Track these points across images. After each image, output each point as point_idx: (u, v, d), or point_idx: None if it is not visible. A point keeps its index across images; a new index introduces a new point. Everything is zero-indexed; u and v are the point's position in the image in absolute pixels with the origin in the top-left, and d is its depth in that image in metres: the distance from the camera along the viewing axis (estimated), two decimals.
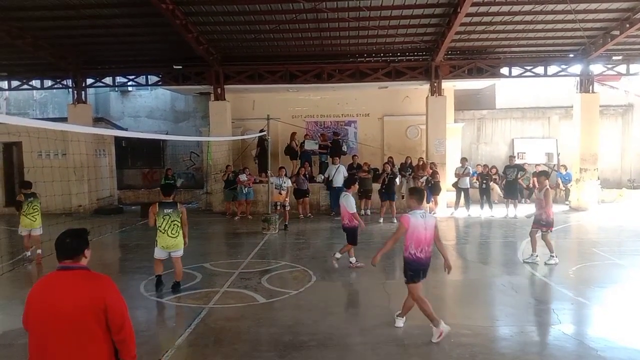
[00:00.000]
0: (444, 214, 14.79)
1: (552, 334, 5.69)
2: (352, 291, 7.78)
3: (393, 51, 15.68)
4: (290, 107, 17.68)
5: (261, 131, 13.48)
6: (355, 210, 8.66)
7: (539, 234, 8.95)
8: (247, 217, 14.46)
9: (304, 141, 16.38)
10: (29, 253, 9.52)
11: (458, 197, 14.88)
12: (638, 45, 14.88)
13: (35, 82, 17.26)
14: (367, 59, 15.98)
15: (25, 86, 17.22)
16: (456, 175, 14.94)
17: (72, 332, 2.79)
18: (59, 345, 2.79)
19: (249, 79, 15.81)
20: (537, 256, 8.91)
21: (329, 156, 15.89)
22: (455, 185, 15.02)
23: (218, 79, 15.75)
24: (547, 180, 8.93)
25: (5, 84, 17.42)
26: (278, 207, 12.76)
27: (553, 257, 8.81)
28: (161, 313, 6.77)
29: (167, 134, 17.53)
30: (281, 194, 12.74)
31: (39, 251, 9.37)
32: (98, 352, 2.86)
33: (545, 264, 8.75)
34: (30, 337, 2.87)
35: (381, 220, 13.73)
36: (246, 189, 14.49)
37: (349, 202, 8.65)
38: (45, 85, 17.31)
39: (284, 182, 12.88)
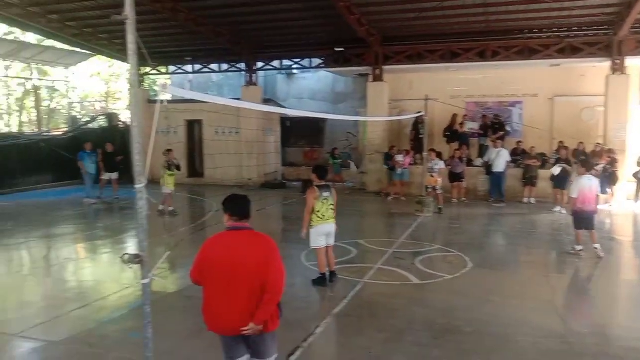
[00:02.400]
0: (621, 206, 13.20)
1: None
2: (512, 281, 7.40)
3: (569, 25, 14.22)
4: (449, 87, 17.09)
5: (418, 113, 13.35)
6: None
7: None
8: (400, 199, 14.51)
9: (462, 122, 15.80)
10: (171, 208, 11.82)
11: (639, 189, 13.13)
12: None
13: (214, 66, 19.27)
14: (537, 34, 14.74)
15: (206, 70, 19.35)
16: (639, 164, 13.16)
17: (248, 283, 3.25)
18: (238, 293, 3.26)
19: (408, 59, 15.65)
20: None
21: (489, 139, 15.12)
22: (636, 175, 13.26)
23: (377, 60, 15.89)
24: None
25: (190, 68, 19.71)
26: (429, 190, 12.55)
27: None
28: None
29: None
30: (432, 177, 12.51)
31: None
32: (255, 303, 3.27)
33: None
34: (208, 286, 3.35)
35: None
36: (401, 170, 14.51)
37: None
38: (222, 69, 19.25)
39: (436, 165, 12.62)
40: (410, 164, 14.80)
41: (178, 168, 12.15)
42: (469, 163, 14.95)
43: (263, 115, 17.23)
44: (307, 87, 21.28)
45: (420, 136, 14.32)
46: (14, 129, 27.86)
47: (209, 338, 3.90)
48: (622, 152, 13.65)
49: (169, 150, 12.09)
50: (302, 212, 6.67)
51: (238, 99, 17.76)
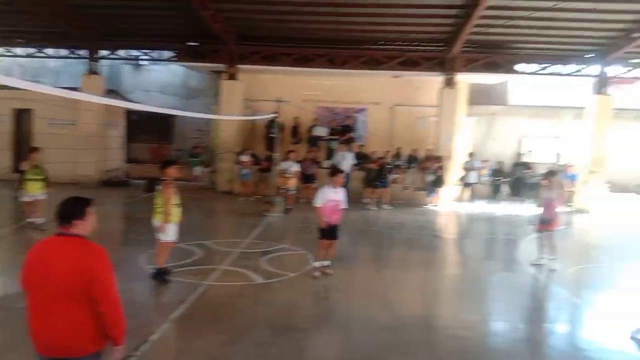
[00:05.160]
0: (447, 208, 14.79)
1: (544, 332, 5.72)
2: (350, 278, 7.81)
3: (409, 40, 15.52)
4: (301, 91, 17.59)
5: (274, 114, 13.47)
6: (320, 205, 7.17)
7: (545, 234, 8.60)
8: (250, 199, 14.50)
9: (313, 126, 16.35)
10: (37, 219, 9.52)
11: (463, 192, 14.83)
12: None
13: (51, 51, 17.30)
14: (382, 46, 15.83)
15: (41, 54, 17.27)
16: (464, 169, 14.88)
17: (64, 295, 2.87)
18: (52, 307, 2.88)
19: (263, 59, 15.70)
20: (545, 258, 8.59)
21: (338, 143, 15.86)
22: (462, 179, 14.97)
23: (232, 58, 15.69)
24: (555, 180, 8.82)
25: (21, 51, 17.46)
26: (281, 191, 12.76)
27: (555, 259, 8.59)
28: (158, 287, 6.83)
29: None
30: (287, 178, 12.75)
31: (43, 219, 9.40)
32: (84, 320, 2.92)
33: (546, 267, 8.47)
34: (28, 298, 2.96)
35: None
36: (246, 170, 14.53)
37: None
38: (60, 54, 17.35)
39: (290, 167, 12.88)
40: (254, 165, 14.88)
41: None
42: (318, 165, 15.52)
43: (105, 107, 15.94)
44: (157, 79, 20.23)
45: (271, 135, 14.43)
46: None
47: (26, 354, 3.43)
48: (449, 158, 15.25)
49: (34, 150, 9.81)
50: (144, 212, 6.29)
51: (76, 89, 16.24)
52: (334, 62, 15.62)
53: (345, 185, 8.48)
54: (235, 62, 15.73)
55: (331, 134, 16.47)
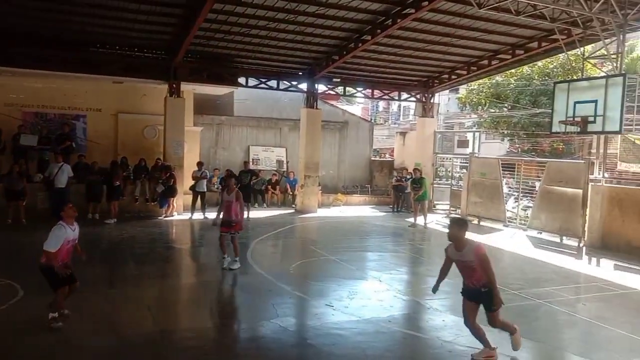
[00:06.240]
0: (180, 217, 14.66)
1: (270, 327, 6.12)
2: (70, 304, 6.92)
3: (130, 45, 14.82)
4: (1, 94, 15.04)
5: None
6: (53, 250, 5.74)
7: (226, 236, 8.74)
8: None
9: (18, 134, 14.14)
10: None
11: (194, 200, 14.88)
12: (353, 71, 17.42)
13: None
14: (101, 49, 14.71)
15: None
16: (193, 178, 14.95)
17: None
18: None
19: None
20: (227, 258, 8.75)
21: (54, 153, 14.04)
22: (192, 188, 15.01)
23: None
24: (231, 183, 9.00)
25: None
26: None
27: (236, 261, 8.72)
28: None
29: None
30: None
31: None
32: None
33: (230, 269, 8.61)
34: None
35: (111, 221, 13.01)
36: None
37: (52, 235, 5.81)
38: None
39: None
40: None
41: None
42: (28, 179, 13.46)
43: None
44: None
45: None
46: None
47: None
48: (180, 167, 15.15)
49: None
50: None
51: None
52: (40, 62, 13.78)
53: (61, 201, 7.45)
54: None
55: (44, 143, 14.51)
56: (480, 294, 5.11)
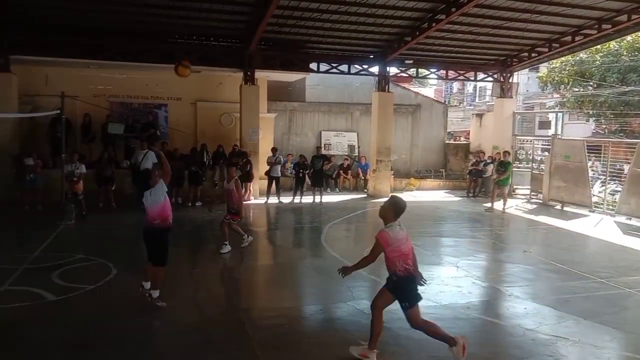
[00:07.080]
0: (257, 201, 15.06)
1: (346, 309, 6.19)
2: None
3: (207, 35, 15.29)
4: (91, 85, 16.05)
5: (56, 110, 11.94)
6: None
7: (229, 222, 8.90)
8: (37, 208, 12.70)
9: (106, 123, 15.09)
10: None
11: (269, 185, 15.25)
12: (426, 52, 16.97)
13: None
14: (179, 40, 15.29)
15: None
16: (268, 163, 15.29)
17: None
18: None
19: (42, 49, 13.79)
20: (248, 236, 9.07)
21: (139, 141, 14.86)
22: (267, 173, 15.37)
23: (2, 46, 13.49)
24: (232, 171, 9.06)
25: None
26: (69, 196, 11.44)
27: (226, 244, 8.80)
28: None
29: None
30: (73, 181, 11.48)
31: None
32: None
33: (220, 252, 8.74)
34: None
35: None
36: (33, 175, 12.72)
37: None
38: None
39: (77, 169, 11.63)
40: (43, 168, 13.17)
41: None
42: (117, 165, 14.37)
43: None
44: None
45: (58, 134, 12.83)
46: None
47: None
48: (255, 153, 15.53)
49: None
50: None
51: None
52: (126, 55, 14.55)
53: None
54: (6, 51, 13.57)
55: (129, 131, 15.39)
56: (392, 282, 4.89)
